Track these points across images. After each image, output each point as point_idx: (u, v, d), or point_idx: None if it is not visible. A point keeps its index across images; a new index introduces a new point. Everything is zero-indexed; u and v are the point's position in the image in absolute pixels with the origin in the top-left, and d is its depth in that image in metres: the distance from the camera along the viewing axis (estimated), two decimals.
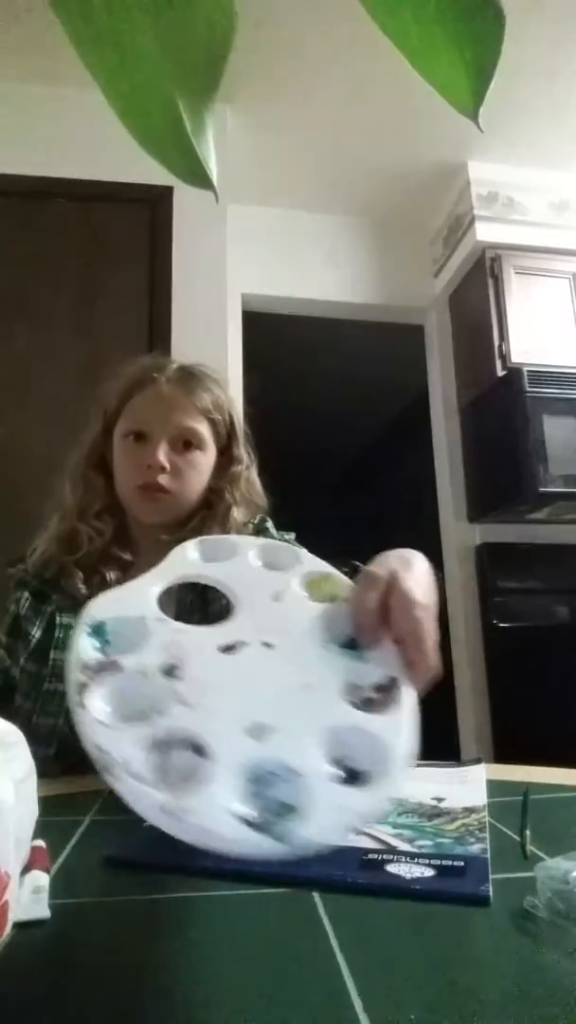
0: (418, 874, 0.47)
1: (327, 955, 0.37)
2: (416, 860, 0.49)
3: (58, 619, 0.94)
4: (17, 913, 0.40)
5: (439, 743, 0.85)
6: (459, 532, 2.88)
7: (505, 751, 2.49)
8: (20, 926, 0.40)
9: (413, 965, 0.36)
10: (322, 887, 0.45)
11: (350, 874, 0.47)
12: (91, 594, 0.94)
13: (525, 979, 0.35)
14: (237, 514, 1.02)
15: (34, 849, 0.49)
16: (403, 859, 0.49)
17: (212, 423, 1.00)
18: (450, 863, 0.49)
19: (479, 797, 0.68)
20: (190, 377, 0.99)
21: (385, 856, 0.50)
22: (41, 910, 0.42)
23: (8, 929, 0.38)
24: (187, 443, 0.97)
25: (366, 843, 0.53)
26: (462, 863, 0.49)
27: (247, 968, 0.37)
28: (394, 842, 0.54)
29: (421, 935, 0.40)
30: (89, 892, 0.47)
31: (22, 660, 0.93)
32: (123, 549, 0.99)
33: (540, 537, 2.79)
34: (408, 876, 0.47)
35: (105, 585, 0.95)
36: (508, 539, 2.80)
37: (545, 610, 2.65)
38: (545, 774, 0.78)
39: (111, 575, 0.95)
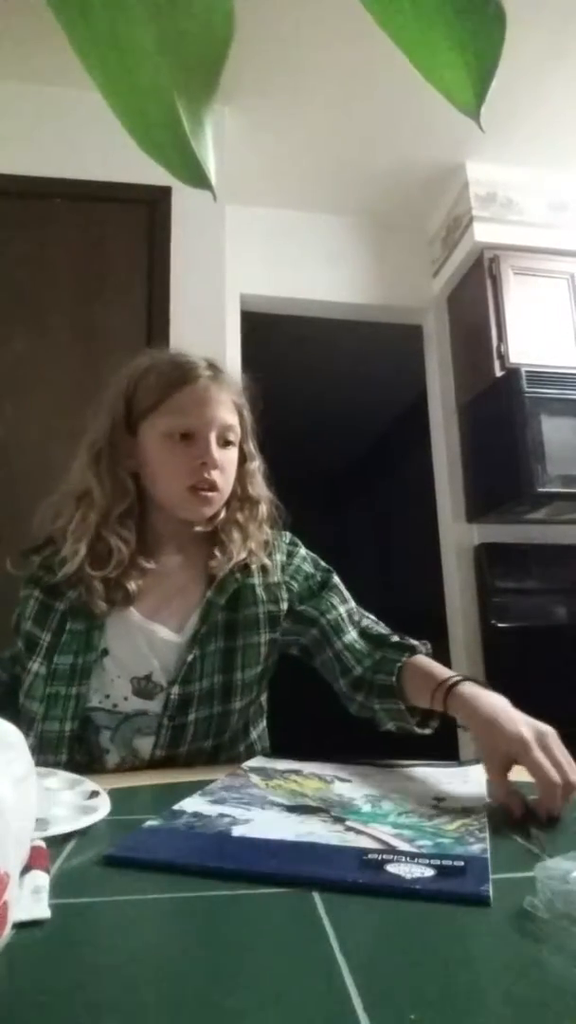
0: (418, 874, 0.47)
1: (327, 955, 0.37)
2: (416, 860, 0.49)
3: (68, 624, 0.92)
4: (17, 913, 0.40)
5: (439, 743, 0.85)
6: (458, 532, 2.88)
7: None
8: (20, 926, 0.40)
9: (413, 965, 0.36)
10: (322, 887, 0.45)
11: (350, 874, 0.47)
12: (111, 611, 0.92)
13: (525, 979, 0.35)
14: (263, 508, 1.05)
15: (34, 849, 0.49)
16: (403, 859, 0.49)
17: (241, 418, 1.00)
18: (450, 863, 0.49)
19: (479, 797, 0.68)
20: (219, 371, 0.98)
21: (385, 856, 0.50)
22: (41, 910, 0.42)
23: (8, 929, 0.38)
24: (227, 439, 0.96)
25: (366, 843, 0.53)
26: (462, 863, 0.49)
27: (247, 968, 0.37)
28: (394, 842, 0.54)
29: (421, 935, 0.40)
30: (89, 892, 0.47)
31: (35, 664, 0.91)
32: (145, 555, 0.97)
33: (539, 537, 2.79)
34: (408, 876, 0.47)
35: (129, 599, 0.93)
36: (507, 539, 2.80)
37: (544, 610, 2.65)
38: None
39: (133, 586, 0.93)
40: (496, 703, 0.78)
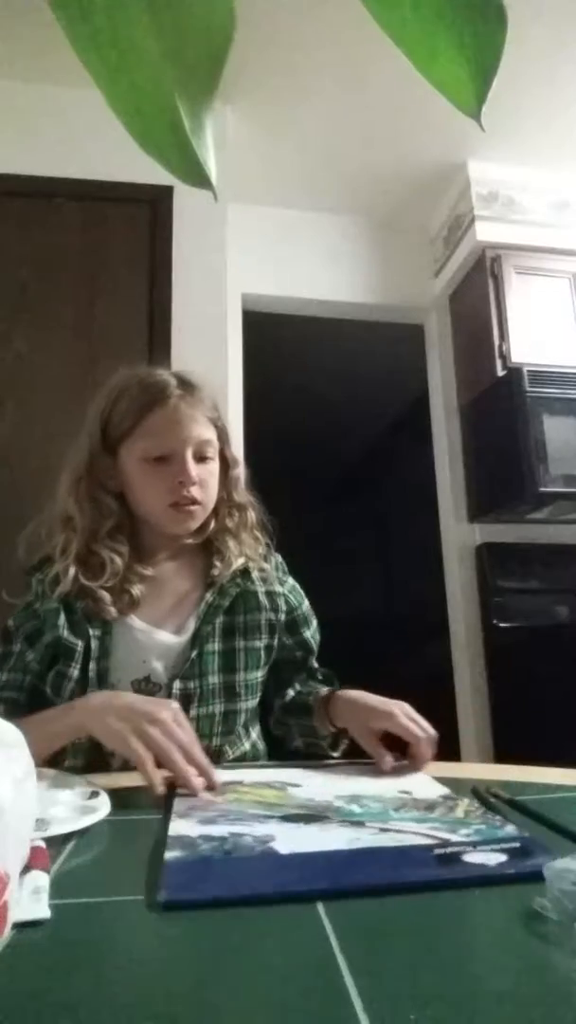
0: (495, 860, 0.48)
1: (327, 955, 0.37)
2: (478, 848, 0.50)
3: (90, 632, 0.93)
4: (17, 913, 0.40)
5: (439, 743, 0.85)
6: (459, 532, 2.88)
7: (505, 751, 2.49)
8: (20, 926, 0.40)
9: (415, 965, 0.36)
10: (420, 889, 0.45)
11: (440, 872, 0.47)
12: (121, 612, 0.94)
13: (533, 980, 0.35)
14: (251, 512, 1.08)
15: (34, 849, 0.49)
16: (468, 849, 0.50)
17: (217, 429, 1.02)
18: (514, 845, 0.50)
19: (434, 785, 0.72)
20: (192, 386, 1.00)
21: (451, 849, 0.50)
22: (41, 910, 0.42)
23: (8, 929, 0.38)
24: (203, 454, 0.98)
25: (417, 840, 0.53)
26: (518, 844, 0.50)
27: (247, 968, 0.37)
28: (444, 835, 0.54)
29: (425, 935, 0.40)
30: (89, 892, 0.47)
31: (74, 670, 0.92)
32: (141, 562, 0.99)
33: (540, 537, 2.79)
34: (493, 863, 0.47)
35: (134, 603, 0.96)
36: (508, 539, 2.79)
37: (545, 610, 2.64)
38: (545, 774, 0.78)
39: (136, 591, 0.96)
40: (358, 692, 0.94)
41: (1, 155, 2.22)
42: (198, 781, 0.68)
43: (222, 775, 0.74)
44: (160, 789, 0.68)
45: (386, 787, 0.71)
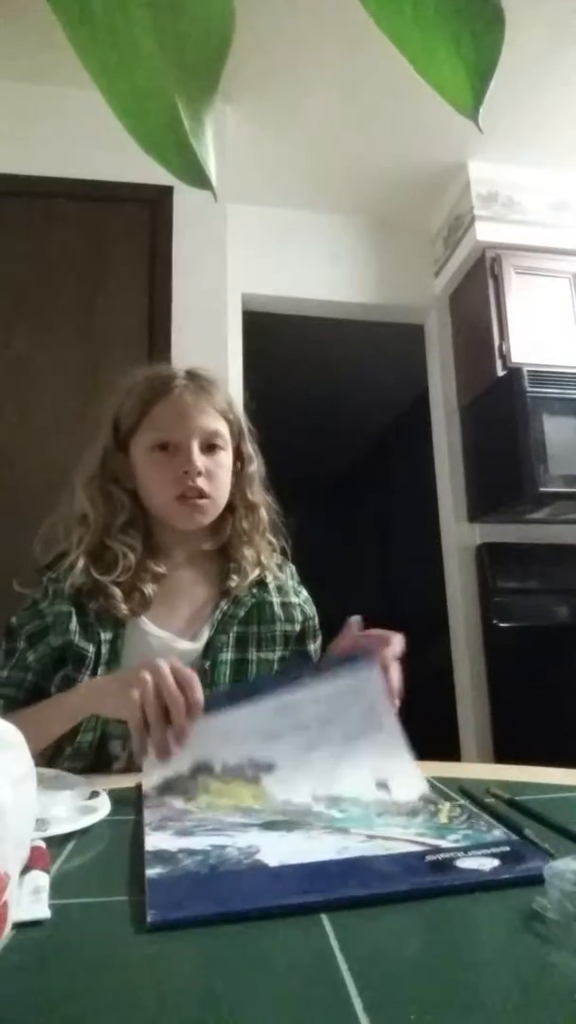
0: (489, 865, 0.47)
1: (327, 955, 0.37)
2: (470, 853, 0.50)
3: (102, 635, 0.92)
4: (17, 913, 0.40)
5: (439, 743, 0.86)
6: (459, 532, 2.88)
7: (505, 751, 2.49)
8: (20, 926, 0.40)
9: (416, 966, 0.36)
10: (416, 897, 0.44)
11: (435, 879, 0.46)
12: (133, 611, 0.93)
13: (533, 980, 0.35)
14: (263, 513, 1.06)
15: (34, 849, 0.49)
16: (460, 855, 0.50)
17: (228, 422, 1.01)
18: (504, 849, 0.50)
19: (414, 778, 0.70)
20: (202, 379, 1.00)
21: (443, 856, 0.50)
22: (41, 910, 0.42)
23: (8, 929, 0.38)
24: (213, 445, 0.97)
25: (406, 848, 0.52)
26: (508, 848, 0.50)
27: (247, 968, 0.37)
28: (433, 842, 0.53)
29: (425, 936, 0.40)
30: (89, 892, 0.47)
31: (85, 677, 0.90)
32: (155, 560, 0.98)
33: (540, 537, 2.79)
34: (487, 868, 0.47)
35: (146, 602, 0.95)
36: (508, 539, 2.79)
37: (545, 610, 2.64)
38: (545, 774, 0.78)
39: (148, 589, 0.95)
40: None
41: (1, 155, 2.22)
42: (167, 751, 0.71)
43: (186, 760, 0.73)
44: (144, 756, 0.72)
45: (365, 782, 0.69)
